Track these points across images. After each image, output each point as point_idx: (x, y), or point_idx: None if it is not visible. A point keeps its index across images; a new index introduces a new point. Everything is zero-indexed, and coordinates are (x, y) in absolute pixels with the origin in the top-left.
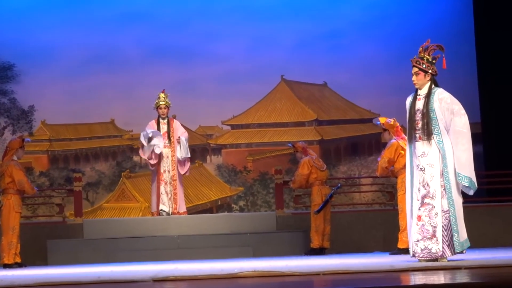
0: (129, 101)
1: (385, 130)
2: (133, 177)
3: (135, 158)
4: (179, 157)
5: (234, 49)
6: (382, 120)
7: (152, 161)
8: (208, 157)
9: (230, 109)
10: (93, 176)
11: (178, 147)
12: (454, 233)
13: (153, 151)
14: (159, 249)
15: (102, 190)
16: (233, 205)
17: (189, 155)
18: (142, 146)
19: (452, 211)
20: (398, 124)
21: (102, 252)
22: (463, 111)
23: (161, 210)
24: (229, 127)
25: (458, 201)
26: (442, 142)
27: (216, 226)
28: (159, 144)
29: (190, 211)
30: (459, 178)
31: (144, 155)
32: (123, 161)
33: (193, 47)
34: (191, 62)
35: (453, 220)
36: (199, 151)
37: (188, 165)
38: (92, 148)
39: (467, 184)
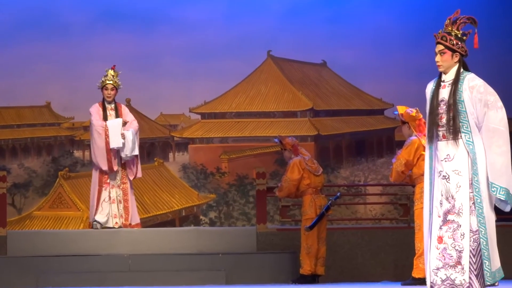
0: (70, 80)
1: (404, 123)
2: (73, 178)
3: (77, 154)
4: (123, 156)
5: (207, 15)
6: (401, 109)
7: (114, 165)
8: (170, 154)
9: (201, 93)
10: (21, 175)
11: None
12: (485, 260)
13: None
14: (105, 272)
15: (33, 193)
16: (201, 217)
17: (137, 152)
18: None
19: (483, 232)
20: (421, 116)
21: (30, 273)
22: (500, 103)
23: (95, 221)
24: (198, 116)
25: (491, 219)
26: (473, 142)
27: (179, 244)
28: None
29: (146, 223)
30: (492, 189)
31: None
32: (60, 156)
33: (153, 11)
34: (151, 31)
35: (484, 243)
36: (159, 146)
37: (138, 165)
38: (21, 139)
39: (503, 197)
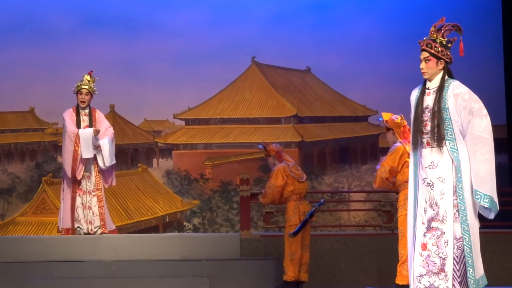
0: (54, 85)
1: (389, 129)
2: (56, 184)
3: (61, 159)
4: (102, 166)
5: (191, 21)
6: (386, 116)
7: (78, 173)
8: (154, 160)
9: (185, 99)
10: (4, 181)
11: (99, 154)
12: (469, 268)
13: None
14: (88, 278)
15: (16, 199)
16: (185, 223)
17: (114, 161)
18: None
19: (467, 239)
20: (406, 123)
21: (13, 279)
22: (484, 111)
23: (78, 227)
24: (182, 122)
25: (475, 226)
26: (457, 150)
27: (163, 250)
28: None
29: (129, 229)
30: (476, 196)
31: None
32: (44, 162)
33: (138, 16)
34: (136, 36)
35: (468, 250)
36: (143, 152)
37: (113, 173)
38: (5, 144)
39: (487, 205)
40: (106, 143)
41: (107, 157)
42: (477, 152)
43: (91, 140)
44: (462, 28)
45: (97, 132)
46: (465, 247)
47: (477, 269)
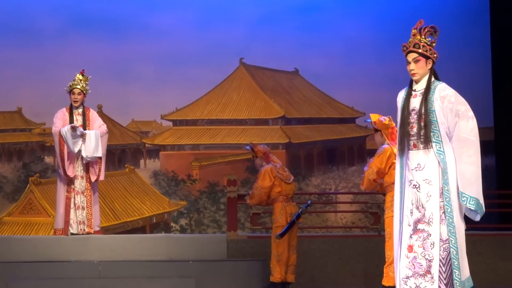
0: (41, 85)
1: (377, 131)
2: (44, 184)
3: (48, 159)
4: (84, 156)
5: (179, 22)
6: (374, 117)
7: (69, 171)
8: (142, 161)
9: (172, 100)
10: None
11: (82, 144)
12: (455, 270)
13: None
14: (75, 278)
15: (3, 199)
16: (172, 224)
17: (99, 154)
18: (61, 141)
19: (453, 241)
20: (394, 125)
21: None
22: (471, 113)
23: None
24: (170, 123)
25: (461, 228)
26: (443, 152)
27: (150, 251)
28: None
29: (116, 230)
30: (462, 199)
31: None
32: (31, 162)
33: (126, 18)
34: (123, 37)
35: (454, 252)
36: (130, 152)
37: (101, 168)
38: None
39: (473, 207)
40: (92, 133)
41: (89, 146)
42: (463, 154)
43: (69, 137)
44: (438, 30)
45: (73, 128)
46: (451, 249)
47: (463, 271)
